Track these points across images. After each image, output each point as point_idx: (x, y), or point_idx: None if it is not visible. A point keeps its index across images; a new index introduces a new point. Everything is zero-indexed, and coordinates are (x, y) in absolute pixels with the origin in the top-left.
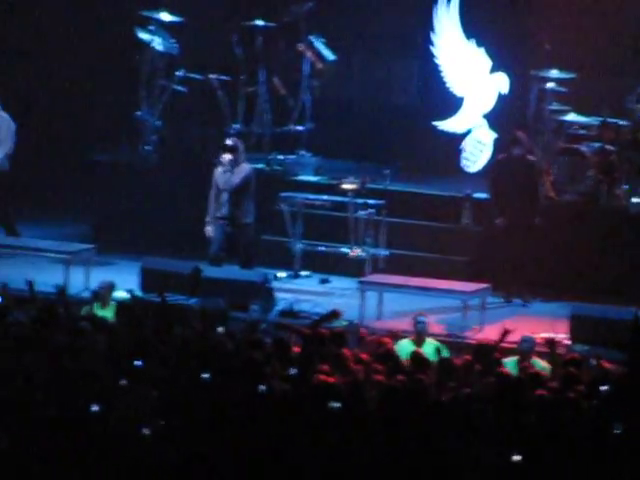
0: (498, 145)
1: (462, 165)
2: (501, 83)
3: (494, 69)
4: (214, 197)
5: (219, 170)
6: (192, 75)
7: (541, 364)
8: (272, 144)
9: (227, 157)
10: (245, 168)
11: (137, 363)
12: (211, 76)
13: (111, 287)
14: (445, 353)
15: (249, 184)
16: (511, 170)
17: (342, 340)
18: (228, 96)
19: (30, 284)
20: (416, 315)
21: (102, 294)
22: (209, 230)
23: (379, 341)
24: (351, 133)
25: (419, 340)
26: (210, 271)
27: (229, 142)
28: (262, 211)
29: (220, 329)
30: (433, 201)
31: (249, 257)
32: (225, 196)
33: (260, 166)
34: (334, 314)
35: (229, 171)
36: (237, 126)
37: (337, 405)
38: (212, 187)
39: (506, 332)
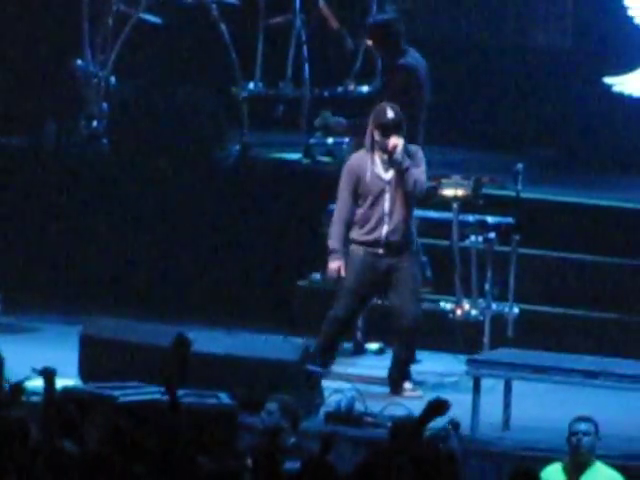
0: None
1: None
2: None
3: None
4: (350, 210)
5: (367, 159)
6: None
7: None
8: (315, 117)
9: (396, 143)
10: (420, 151)
11: None
12: None
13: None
14: None
15: None
16: None
17: (452, 466)
18: (237, 32)
19: None
20: (575, 421)
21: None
22: (335, 268)
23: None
24: (455, 99)
25: (579, 464)
26: (205, 343)
27: (390, 114)
28: (297, 237)
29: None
30: (602, 218)
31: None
32: (387, 206)
33: (294, 156)
34: (438, 406)
35: (401, 162)
36: (252, 85)
37: None
38: (349, 191)
39: None
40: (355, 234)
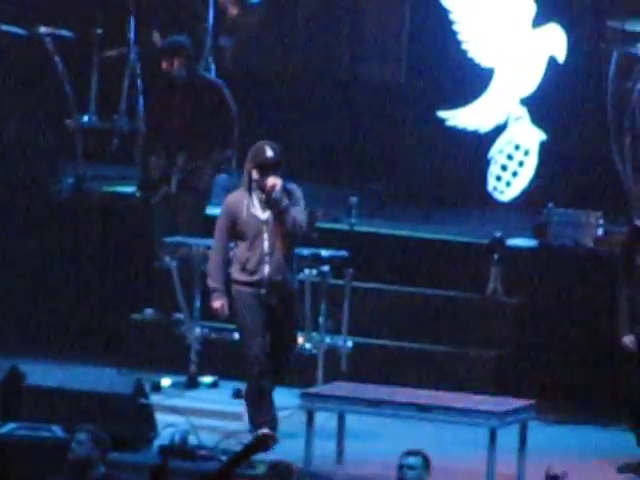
0: (548, 153)
1: (489, 189)
2: (554, 43)
3: (541, 19)
4: (225, 249)
5: (244, 199)
6: (5, 28)
7: None
8: (150, 149)
9: (275, 183)
10: (298, 190)
11: None
12: (42, 30)
13: None
14: None
15: None
16: None
17: None
18: (71, 65)
19: None
20: (404, 455)
21: None
22: (218, 306)
23: None
24: (288, 132)
25: None
26: (39, 376)
27: (269, 154)
28: (130, 270)
29: None
30: (435, 252)
31: (288, 357)
32: (267, 246)
33: (128, 190)
34: (263, 441)
35: (279, 201)
36: (86, 118)
37: None
38: (223, 230)
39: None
40: (237, 275)
